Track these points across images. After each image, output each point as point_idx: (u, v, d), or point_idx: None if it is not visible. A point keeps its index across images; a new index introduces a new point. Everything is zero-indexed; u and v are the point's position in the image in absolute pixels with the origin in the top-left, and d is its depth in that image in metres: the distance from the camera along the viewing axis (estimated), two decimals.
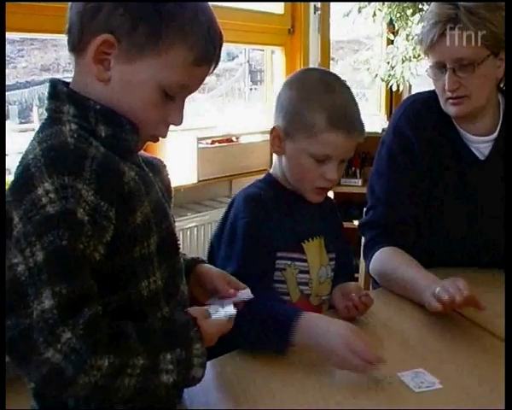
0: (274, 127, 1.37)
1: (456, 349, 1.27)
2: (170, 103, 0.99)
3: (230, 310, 1.05)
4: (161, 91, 0.97)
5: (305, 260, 1.38)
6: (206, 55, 0.98)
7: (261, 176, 1.46)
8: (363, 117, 1.36)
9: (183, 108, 1.01)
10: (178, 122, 1.02)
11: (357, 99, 1.38)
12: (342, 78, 1.39)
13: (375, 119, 3.68)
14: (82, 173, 0.86)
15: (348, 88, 1.39)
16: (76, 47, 0.96)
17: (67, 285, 0.82)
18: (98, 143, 0.92)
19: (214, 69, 1.02)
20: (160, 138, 1.04)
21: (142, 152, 1.06)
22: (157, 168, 1.11)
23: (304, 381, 1.13)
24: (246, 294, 1.12)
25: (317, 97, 1.31)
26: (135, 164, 0.99)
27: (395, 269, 1.54)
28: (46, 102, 0.97)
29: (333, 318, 1.24)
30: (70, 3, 0.96)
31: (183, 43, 0.95)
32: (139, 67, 0.94)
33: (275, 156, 1.42)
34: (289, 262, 1.35)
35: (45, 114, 0.96)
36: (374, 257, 1.62)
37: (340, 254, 1.46)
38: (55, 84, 0.96)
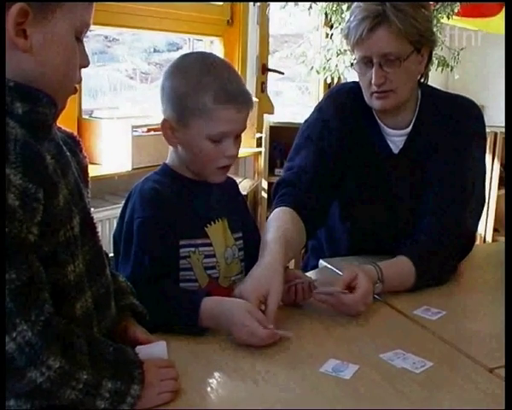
0: (164, 119, 1.37)
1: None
2: (78, 48, 1.02)
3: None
4: (75, 37, 1.00)
5: (210, 245, 1.40)
6: None
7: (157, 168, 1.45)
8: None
9: (85, 49, 1.05)
10: (88, 62, 1.05)
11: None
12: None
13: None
14: (7, 158, 0.86)
15: (228, 64, 1.43)
16: None
17: (15, 271, 0.83)
18: (15, 123, 0.91)
19: None
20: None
21: (59, 127, 1.07)
22: (73, 148, 1.12)
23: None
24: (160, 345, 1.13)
25: (200, 79, 1.33)
26: (53, 141, 1.00)
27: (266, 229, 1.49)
28: None
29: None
30: None
31: None
32: (54, 22, 0.96)
33: (170, 148, 1.43)
34: (193, 249, 1.38)
35: None
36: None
37: (247, 232, 1.49)
38: None
